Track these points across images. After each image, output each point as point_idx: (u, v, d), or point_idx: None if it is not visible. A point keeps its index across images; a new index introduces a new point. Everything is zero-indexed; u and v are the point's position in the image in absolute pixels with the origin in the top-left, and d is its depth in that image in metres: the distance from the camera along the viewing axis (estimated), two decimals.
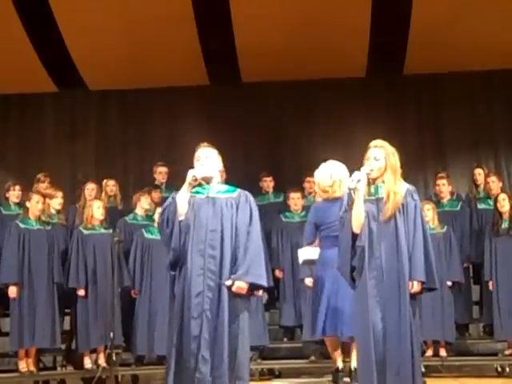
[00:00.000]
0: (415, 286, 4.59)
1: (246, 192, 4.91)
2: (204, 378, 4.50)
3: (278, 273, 8.22)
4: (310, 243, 6.36)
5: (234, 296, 4.62)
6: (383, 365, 4.48)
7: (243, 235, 4.70)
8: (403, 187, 4.73)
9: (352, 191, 4.69)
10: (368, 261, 4.59)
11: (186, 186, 4.75)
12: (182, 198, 4.74)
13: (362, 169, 4.72)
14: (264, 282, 4.73)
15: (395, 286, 4.56)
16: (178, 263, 4.74)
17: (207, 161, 4.86)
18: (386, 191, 4.67)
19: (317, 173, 6.29)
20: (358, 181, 4.63)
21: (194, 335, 4.55)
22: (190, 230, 4.70)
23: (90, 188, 8.28)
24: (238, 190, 4.91)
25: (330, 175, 6.15)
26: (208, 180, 4.87)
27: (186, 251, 4.67)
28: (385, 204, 4.65)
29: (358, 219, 4.65)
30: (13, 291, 6.93)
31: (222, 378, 4.50)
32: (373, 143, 4.81)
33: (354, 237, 4.68)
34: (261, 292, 7.13)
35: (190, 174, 4.75)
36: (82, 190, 8.29)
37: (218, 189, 4.88)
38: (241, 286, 4.61)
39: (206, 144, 4.97)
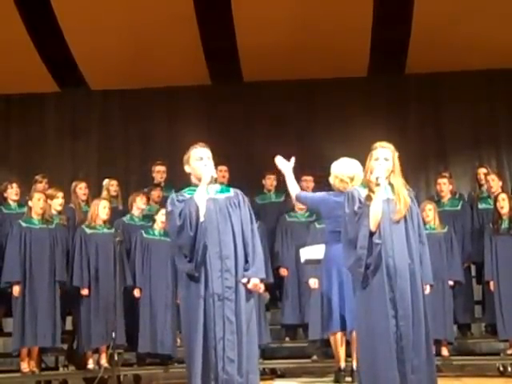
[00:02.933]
0: (428, 289, 4.73)
1: (238, 190, 4.95)
2: (232, 379, 4.53)
3: (282, 272, 8.24)
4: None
5: (246, 292, 4.68)
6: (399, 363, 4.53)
7: (248, 233, 4.77)
8: (405, 192, 4.76)
9: (369, 187, 4.70)
10: (385, 260, 4.60)
11: (204, 187, 4.74)
12: (202, 199, 4.71)
13: (379, 167, 4.71)
14: (269, 278, 4.90)
15: (407, 284, 4.58)
16: (199, 265, 4.69)
17: (209, 162, 4.85)
18: (397, 193, 4.70)
19: (337, 164, 6.19)
20: (380, 177, 4.65)
21: (218, 337, 4.57)
22: (206, 232, 4.70)
23: (83, 187, 8.32)
24: (232, 189, 4.94)
25: (353, 167, 6.10)
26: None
27: (204, 254, 4.65)
28: (396, 205, 4.67)
29: (376, 216, 4.63)
30: (16, 290, 6.96)
31: (244, 376, 4.57)
32: (379, 144, 4.80)
33: (370, 234, 4.66)
34: (262, 288, 7.20)
35: (209, 174, 4.74)
36: (73, 189, 8.30)
37: (215, 189, 4.88)
38: (256, 282, 4.69)
39: (203, 144, 4.93)
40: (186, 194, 4.82)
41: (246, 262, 4.73)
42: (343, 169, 6.12)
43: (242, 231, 4.76)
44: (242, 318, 4.62)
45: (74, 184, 8.38)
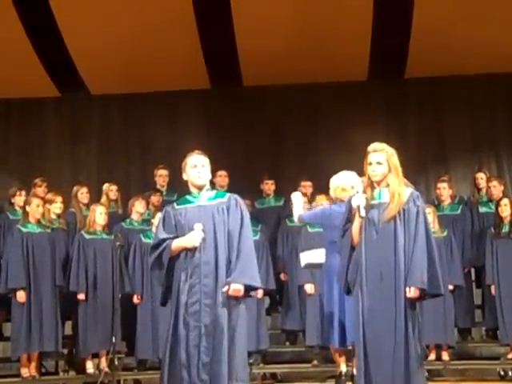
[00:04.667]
0: (412, 292, 4.52)
1: (236, 195, 4.91)
2: None
3: (283, 277, 8.23)
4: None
5: (229, 299, 4.59)
6: (376, 373, 4.49)
7: (235, 238, 4.69)
8: (407, 191, 4.70)
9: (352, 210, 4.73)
10: (365, 268, 4.59)
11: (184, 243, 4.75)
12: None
13: (360, 192, 4.70)
14: (258, 284, 4.74)
15: (391, 293, 4.54)
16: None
17: (204, 169, 4.85)
18: (391, 192, 4.65)
19: (336, 176, 6.24)
20: (358, 206, 4.63)
21: (193, 343, 4.55)
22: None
23: (84, 191, 8.34)
24: (228, 195, 4.93)
25: (352, 178, 6.11)
26: (201, 187, 4.87)
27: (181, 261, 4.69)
28: (388, 205, 4.63)
29: (355, 236, 4.70)
30: (21, 296, 6.95)
31: (222, 383, 4.51)
32: (371, 147, 4.75)
33: (353, 250, 4.71)
34: (260, 294, 7.16)
35: (193, 242, 4.70)
36: (74, 194, 8.30)
37: (208, 196, 4.87)
38: (236, 288, 4.58)
39: (199, 152, 4.92)
40: (177, 207, 4.85)
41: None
42: (343, 179, 6.15)
43: (229, 236, 4.70)
44: (223, 324, 4.55)
45: (75, 189, 8.37)
